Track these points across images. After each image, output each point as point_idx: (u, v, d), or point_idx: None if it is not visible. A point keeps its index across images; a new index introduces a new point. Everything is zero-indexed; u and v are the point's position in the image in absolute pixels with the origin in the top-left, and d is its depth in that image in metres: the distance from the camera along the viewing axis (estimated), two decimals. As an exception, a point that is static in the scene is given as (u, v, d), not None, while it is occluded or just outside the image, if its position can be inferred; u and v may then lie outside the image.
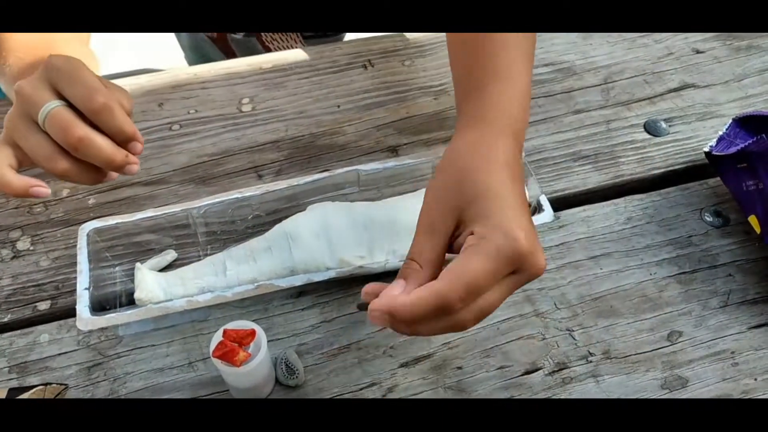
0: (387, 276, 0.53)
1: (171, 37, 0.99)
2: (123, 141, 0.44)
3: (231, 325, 0.43)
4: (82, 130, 0.42)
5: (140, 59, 1.79)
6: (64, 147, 0.42)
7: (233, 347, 0.41)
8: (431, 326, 0.37)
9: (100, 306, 0.50)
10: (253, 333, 0.43)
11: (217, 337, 0.42)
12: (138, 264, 0.50)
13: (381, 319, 0.37)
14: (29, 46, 0.57)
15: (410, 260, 0.39)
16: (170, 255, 0.54)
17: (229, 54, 0.86)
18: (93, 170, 0.44)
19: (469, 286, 0.36)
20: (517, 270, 0.37)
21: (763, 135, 0.52)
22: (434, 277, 0.38)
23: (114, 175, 0.46)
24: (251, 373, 0.43)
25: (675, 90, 0.68)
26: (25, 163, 0.45)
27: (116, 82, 0.66)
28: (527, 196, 0.51)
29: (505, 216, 0.38)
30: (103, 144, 0.43)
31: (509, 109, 0.45)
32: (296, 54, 0.70)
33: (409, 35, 0.72)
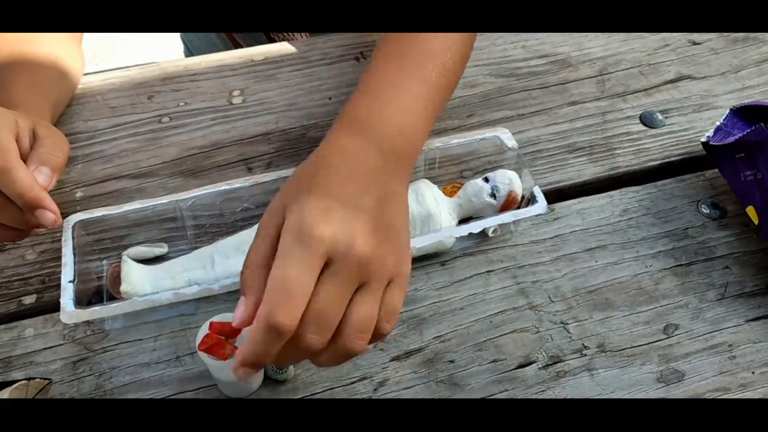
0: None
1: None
2: (26, 207, 0.42)
3: (217, 318, 0.42)
4: None
5: (138, 49, 1.80)
6: None
7: (220, 340, 0.41)
8: (289, 356, 0.36)
9: (86, 300, 0.49)
10: (239, 325, 0.42)
11: (203, 330, 0.41)
12: (124, 256, 0.50)
13: (246, 373, 0.36)
14: (6, 38, 0.56)
15: (244, 268, 0.37)
16: (160, 249, 0.53)
17: (236, 44, 0.85)
18: (8, 229, 0.45)
19: (281, 288, 0.34)
20: (331, 259, 0.35)
21: (762, 124, 0.51)
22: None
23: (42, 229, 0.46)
24: (238, 367, 0.42)
25: (671, 81, 0.67)
26: None
27: (107, 75, 0.66)
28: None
29: (302, 201, 0.36)
30: (7, 213, 0.43)
31: (378, 123, 0.44)
32: (288, 46, 0.69)
33: (402, 27, 0.71)
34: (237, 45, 0.85)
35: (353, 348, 0.36)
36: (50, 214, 0.43)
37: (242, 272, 0.37)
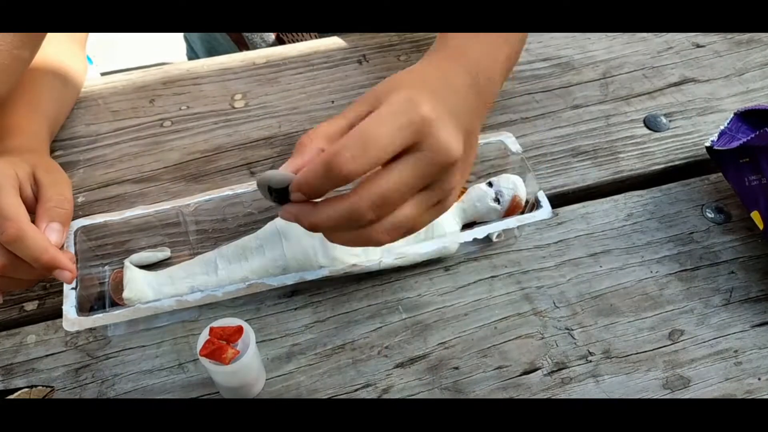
0: (381, 274, 0.52)
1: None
2: (43, 269, 0.43)
3: (217, 323, 0.42)
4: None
5: (142, 50, 1.79)
6: None
7: (221, 345, 0.40)
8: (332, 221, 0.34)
9: (89, 306, 0.48)
10: (240, 330, 0.41)
11: (204, 336, 0.41)
12: (127, 262, 0.49)
13: (289, 214, 0.36)
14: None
15: (308, 132, 0.36)
16: (163, 253, 0.52)
17: (241, 45, 0.85)
18: (22, 280, 0.45)
19: (360, 138, 0.32)
20: (417, 143, 0.33)
21: (766, 128, 0.51)
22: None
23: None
24: (241, 371, 0.41)
25: (675, 84, 0.67)
26: None
27: (109, 78, 0.66)
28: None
29: (409, 89, 0.34)
30: (23, 271, 0.44)
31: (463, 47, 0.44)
32: (290, 49, 0.69)
33: (404, 30, 0.71)
34: (243, 46, 0.84)
35: (379, 239, 0.35)
36: (67, 273, 0.44)
37: (303, 136, 0.36)
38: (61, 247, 0.45)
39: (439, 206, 0.37)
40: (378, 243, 0.36)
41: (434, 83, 0.39)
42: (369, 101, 0.36)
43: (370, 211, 0.34)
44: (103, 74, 0.70)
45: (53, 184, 0.47)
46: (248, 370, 0.43)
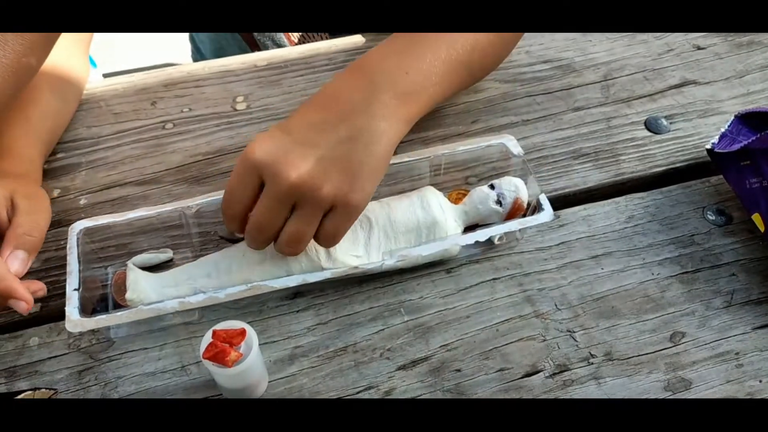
0: (383, 276, 0.52)
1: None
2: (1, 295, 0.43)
3: (220, 326, 0.42)
4: None
5: (145, 51, 1.79)
6: None
7: (224, 347, 0.40)
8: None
9: (91, 308, 0.48)
10: (243, 332, 0.41)
11: (207, 339, 0.41)
12: (130, 264, 0.49)
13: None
14: None
15: None
16: (165, 254, 0.53)
17: (253, 46, 0.85)
18: None
19: (225, 192, 0.44)
20: (262, 179, 0.42)
21: (767, 131, 0.51)
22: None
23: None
24: (244, 374, 0.42)
25: (676, 87, 0.67)
26: None
27: (110, 81, 0.66)
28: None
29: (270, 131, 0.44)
30: None
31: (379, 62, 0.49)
32: (291, 51, 0.69)
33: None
34: (255, 47, 0.84)
35: (284, 251, 0.45)
36: (23, 303, 0.43)
37: None
38: (29, 274, 0.45)
39: (335, 216, 0.44)
40: (287, 254, 0.46)
41: (302, 115, 0.46)
42: None
43: (257, 234, 0.44)
44: (105, 75, 0.70)
45: (28, 212, 0.47)
46: (251, 373, 0.43)
